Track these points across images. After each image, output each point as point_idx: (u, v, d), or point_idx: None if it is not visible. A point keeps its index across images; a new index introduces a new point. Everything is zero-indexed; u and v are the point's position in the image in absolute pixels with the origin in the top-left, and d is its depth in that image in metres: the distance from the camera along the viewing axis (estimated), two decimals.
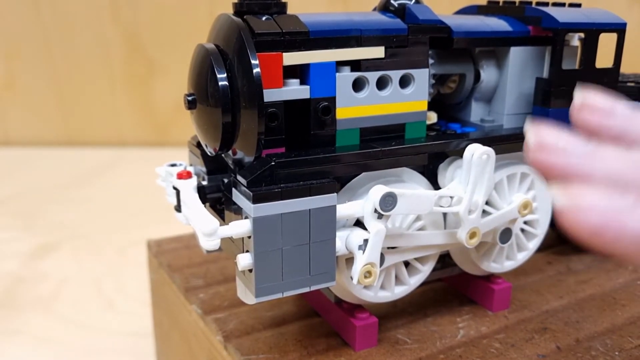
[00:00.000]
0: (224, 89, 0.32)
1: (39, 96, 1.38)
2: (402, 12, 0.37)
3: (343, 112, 0.35)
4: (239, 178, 0.32)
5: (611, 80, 0.42)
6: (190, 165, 0.42)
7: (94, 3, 1.31)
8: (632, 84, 0.47)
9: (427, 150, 0.37)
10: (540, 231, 0.43)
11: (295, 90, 0.33)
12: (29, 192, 1.09)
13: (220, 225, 0.32)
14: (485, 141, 0.37)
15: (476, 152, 0.36)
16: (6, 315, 0.66)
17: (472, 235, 0.37)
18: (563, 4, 0.43)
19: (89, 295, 0.71)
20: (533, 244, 0.43)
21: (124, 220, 0.95)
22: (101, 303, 0.69)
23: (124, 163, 1.28)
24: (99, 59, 1.35)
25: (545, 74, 0.41)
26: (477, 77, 0.41)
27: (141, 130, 1.40)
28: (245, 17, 0.33)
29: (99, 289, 0.72)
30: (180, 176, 0.38)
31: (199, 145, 0.40)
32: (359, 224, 0.35)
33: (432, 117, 0.41)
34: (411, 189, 0.36)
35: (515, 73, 0.41)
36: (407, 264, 0.39)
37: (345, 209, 0.34)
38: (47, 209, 1.00)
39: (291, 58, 0.33)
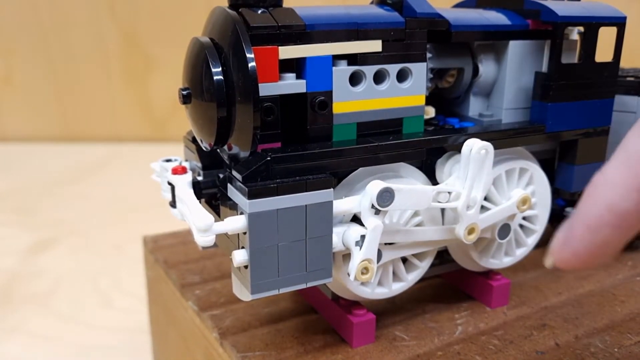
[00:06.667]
0: (219, 83, 0.32)
1: (36, 92, 1.38)
2: (399, 5, 0.36)
3: (340, 106, 0.35)
4: (235, 173, 0.32)
5: (611, 75, 0.41)
6: (186, 160, 0.42)
7: None
8: (632, 79, 0.47)
9: (425, 145, 0.36)
10: (539, 227, 0.42)
11: (291, 84, 0.33)
12: (25, 188, 1.08)
13: (216, 221, 0.31)
14: (483, 136, 0.37)
15: (474, 147, 0.35)
16: (2, 312, 0.66)
17: (471, 231, 0.37)
18: None
19: (86, 291, 0.71)
20: (532, 240, 0.42)
21: (121, 216, 0.94)
22: (98, 299, 0.69)
23: (121, 159, 1.27)
24: (96, 55, 1.35)
25: (544, 68, 0.41)
26: (476, 71, 0.41)
27: (138, 126, 1.40)
28: (240, 10, 0.33)
29: (96, 286, 0.72)
30: (175, 171, 0.37)
31: (194, 140, 0.39)
32: (356, 219, 0.35)
33: (430, 112, 0.40)
34: (409, 184, 0.36)
35: (514, 67, 0.40)
36: (404, 260, 0.39)
37: (342, 205, 0.33)
38: (44, 205, 0.99)
39: (287, 52, 0.33)
